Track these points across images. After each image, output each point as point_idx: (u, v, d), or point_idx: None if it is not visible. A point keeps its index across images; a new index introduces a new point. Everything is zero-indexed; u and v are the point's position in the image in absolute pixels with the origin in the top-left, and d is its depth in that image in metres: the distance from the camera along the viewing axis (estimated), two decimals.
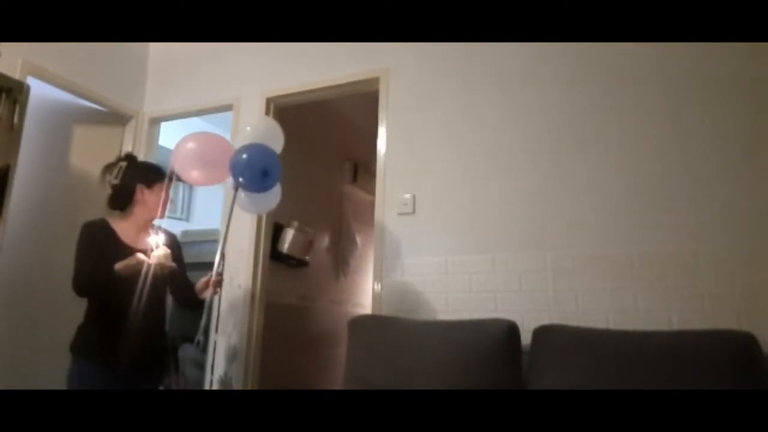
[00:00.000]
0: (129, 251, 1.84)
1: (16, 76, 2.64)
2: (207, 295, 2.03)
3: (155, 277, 1.83)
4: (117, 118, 3.36)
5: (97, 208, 3.24)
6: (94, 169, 3.20)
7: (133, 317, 1.85)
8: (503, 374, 1.90)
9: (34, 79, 2.76)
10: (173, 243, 2.08)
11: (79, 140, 3.13)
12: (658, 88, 2.15)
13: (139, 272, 1.78)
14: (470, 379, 1.90)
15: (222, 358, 2.82)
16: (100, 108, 3.24)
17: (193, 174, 2.08)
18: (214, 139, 2.15)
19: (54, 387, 2.69)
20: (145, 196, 2.00)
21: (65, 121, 3.10)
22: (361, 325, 2.27)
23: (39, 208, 2.87)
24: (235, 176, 2.01)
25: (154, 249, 1.81)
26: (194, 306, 2.14)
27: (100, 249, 1.85)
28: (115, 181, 2.01)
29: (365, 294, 4.29)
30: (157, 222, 2.14)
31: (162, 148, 3.74)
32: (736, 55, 2.03)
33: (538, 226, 2.24)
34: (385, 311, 2.44)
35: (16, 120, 2.49)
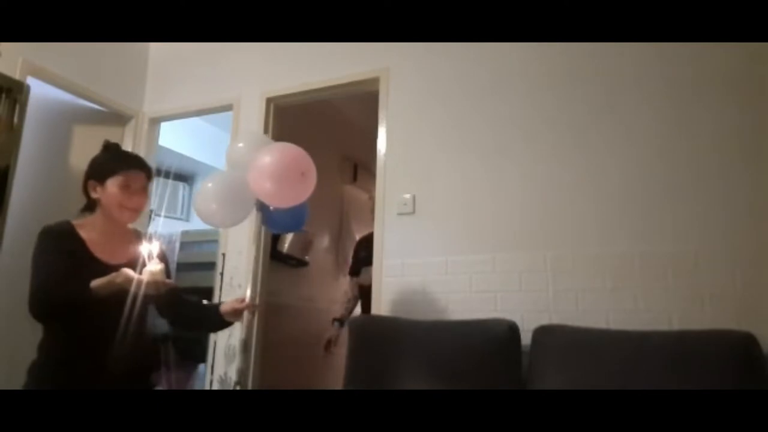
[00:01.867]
0: (100, 266, 1.48)
1: (16, 76, 2.64)
2: (239, 320, 1.70)
3: (146, 297, 1.45)
4: (117, 118, 3.36)
5: None
6: None
7: (116, 350, 1.47)
8: (503, 374, 1.91)
9: (34, 79, 2.76)
10: (162, 255, 1.64)
11: (79, 140, 3.13)
12: (658, 88, 2.15)
13: (123, 292, 1.39)
14: (470, 379, 1.90)
15: (222, 358, 2.82)
16: (100, 108, 3.25)
17: (267, 185, 1.72)
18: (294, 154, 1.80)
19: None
20: (98, 193, 1.58)
21: (65, 121, 3.10)
22: (361, 325, 2.27)
23: (39, 208, 2.86)
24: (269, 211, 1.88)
25: (147, 262, 1.42)
26: (209, 330, 1.81)
27: (65, 260, 1.46)
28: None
29: None
30: (142, 226, 1.90)
31: (162, 148, 3.74)
32: (738, 55, 2.03)
33: (538, 226, 2.24)
34: (385, 311, 2.44)
35: (16, 120, 2.49)
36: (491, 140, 2.42)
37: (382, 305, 2.47)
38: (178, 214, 5.05)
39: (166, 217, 4.59)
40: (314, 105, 3.25)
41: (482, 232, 2.35)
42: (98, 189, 1.58)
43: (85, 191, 1.62)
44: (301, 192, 1.79)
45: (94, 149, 3.11)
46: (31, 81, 2.70)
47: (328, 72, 2.89)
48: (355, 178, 4.47)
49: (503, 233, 2.30)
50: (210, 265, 3.24)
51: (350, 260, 3.37)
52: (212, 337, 2.89)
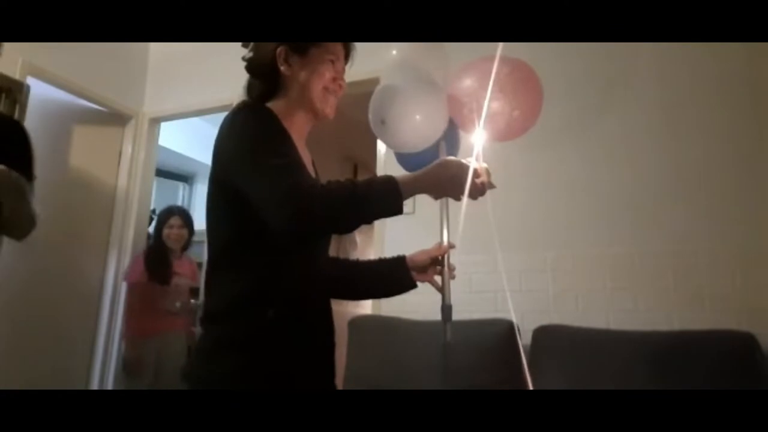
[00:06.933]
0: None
1: (16, 76, 2.64)
2: (429, 279, 1.25)
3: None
4: (117, 118, 3.36)
5: (98, 208, 3.27)
6: (94, 169, 3.24)
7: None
8: (503, 374, 1.90)
9: (34, 79, 2.76)
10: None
11: (79, 140, 3.13)
12: (659, 87, 2.15)
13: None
14: (470, 379, 1.90)
15: None
16: (100, 108, 3.25)
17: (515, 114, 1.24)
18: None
19: (54, 387, 2.70)
20: (294, 69, 1.09)
21: (65, 121, 3.10)
22: (361, 325, 2.27)
23: (38, 208, 2.86)
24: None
25: (474, 159, 1.07)
26: (384, 295, 1.29)
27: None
28: (249, 54, 1.14)
29: None
30: None
31: (162, 148, 3.74)
32: (736, 54, 2.03)
33: (538, 226, 2.24)
34: (385, 311, 2.44)
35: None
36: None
37: (382, 305, 2.46)
38: None
39: None
40: None
41: (482, 232, 2.34)
42: (294, 61, 1.09)
43: (269, 65, 1.10)
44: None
45: (95, 149, 3.10)
46: (31, 81, 2.70)
47: None
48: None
49: (503, 233, 2.30)
50: None
51: None
52: None
